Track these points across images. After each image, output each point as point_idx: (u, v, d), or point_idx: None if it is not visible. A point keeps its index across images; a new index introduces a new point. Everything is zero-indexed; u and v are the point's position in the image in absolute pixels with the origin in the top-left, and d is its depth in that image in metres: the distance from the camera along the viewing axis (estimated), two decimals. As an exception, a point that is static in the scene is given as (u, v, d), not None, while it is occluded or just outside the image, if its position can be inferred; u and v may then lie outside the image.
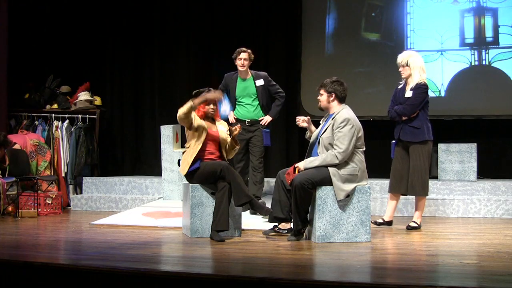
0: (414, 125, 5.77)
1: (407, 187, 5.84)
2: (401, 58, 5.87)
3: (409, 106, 5.76)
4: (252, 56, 6.56)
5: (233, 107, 6.67)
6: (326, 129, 5.11)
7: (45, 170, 7.88)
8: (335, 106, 5.19)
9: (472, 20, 8.25)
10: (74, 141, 8.31)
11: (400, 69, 5.89)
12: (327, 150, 5.05)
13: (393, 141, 5.97)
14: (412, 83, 5.81)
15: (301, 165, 5.07)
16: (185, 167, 5.38)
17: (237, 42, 8.75)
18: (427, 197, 5.97)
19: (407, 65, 5.81)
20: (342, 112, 5.10)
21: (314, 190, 5.02)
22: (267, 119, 6.59)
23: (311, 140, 5.33)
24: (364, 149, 5.18)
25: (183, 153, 5.51)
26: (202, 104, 5.47)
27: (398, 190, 5.93)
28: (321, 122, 5.37)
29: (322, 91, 5.22)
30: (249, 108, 6.60)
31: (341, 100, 5.19)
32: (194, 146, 5.38)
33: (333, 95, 5.17)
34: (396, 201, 6.02)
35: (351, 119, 5.05)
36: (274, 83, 6.71)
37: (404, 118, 5.80)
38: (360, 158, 5.10)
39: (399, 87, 5.97)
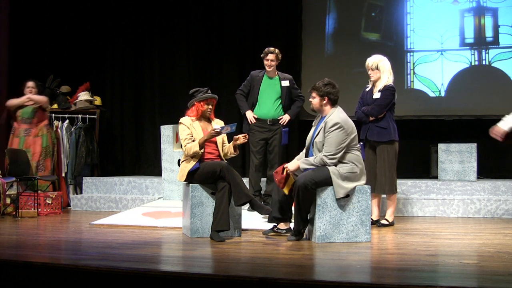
0: (381, 125, 5.91)
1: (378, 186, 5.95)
2: (371, 62, 6.01)
3: (377, 107, 5.90)
4: (280, 56, 6.67)
5: (253, 106, 6.73)
6: (319, 132, 5.09)
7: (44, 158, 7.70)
8: (327, 109, 5.16)
9: (472, 20, 8.25)
10: (74, 141, 8.31)
11: (369, 72, 6.03)
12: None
13: (361, 143, 5.98)
14: (380, 85, 5.95)
15: (290, 166, 5.08)
16: (183, 175, 5.39)
17: (237, 42, 8.79)
18: (426, 197, 5.95)
19: (377, 68, 5.97)
20: (333, 116, 5.07)
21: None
22: (286, 118, 6.70)
23: (306, 143, 5.32)
24: (360, 146, 5.18)
25: (183, 161, 5.51)
26: (202, 103, 5.47)
27: (373, 190, 5.94)
28: (313, 125, 5.35)
29: (314, 94, 5.18)
30: (271, 107, 6.68)
31: (334, 102, 5.16)
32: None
33: (326, 99, 5.13)
34: (376, 199, 6.07)
35: (341, 122, 5.00)
36: (297, 86, 6.91)
37: (371, 118, 5.92)
38: (357, 157, 5.09)
39: (367, 89, 6.10)
